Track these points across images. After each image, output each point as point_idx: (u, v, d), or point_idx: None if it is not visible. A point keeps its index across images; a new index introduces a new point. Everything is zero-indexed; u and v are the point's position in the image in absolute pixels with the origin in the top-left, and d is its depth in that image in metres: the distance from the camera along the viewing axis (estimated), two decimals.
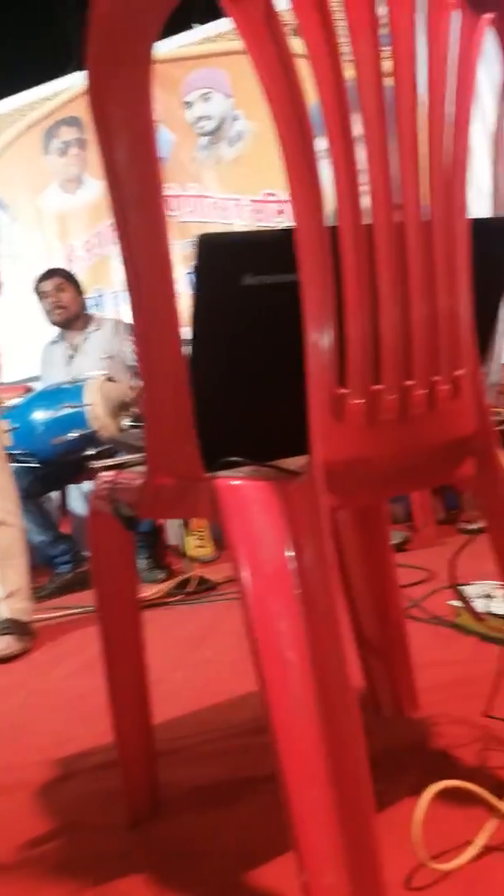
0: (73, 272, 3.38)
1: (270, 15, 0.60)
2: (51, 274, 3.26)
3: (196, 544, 2.97)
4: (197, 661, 1.66)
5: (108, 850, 0.94)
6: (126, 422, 2.85)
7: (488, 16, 0.69)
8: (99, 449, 2.86)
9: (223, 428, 0.75)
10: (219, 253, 0.71)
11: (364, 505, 1.06)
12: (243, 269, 0.71)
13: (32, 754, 1.30)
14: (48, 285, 3.21)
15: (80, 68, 4.00)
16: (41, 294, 3.23)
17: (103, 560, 0.95)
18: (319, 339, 0.64)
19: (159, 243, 0.72)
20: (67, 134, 4.04)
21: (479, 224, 0.74)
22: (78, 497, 3.49)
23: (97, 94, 0.69)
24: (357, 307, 0.65)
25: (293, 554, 0.65)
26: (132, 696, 0.96)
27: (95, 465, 1.03)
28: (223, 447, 0.74)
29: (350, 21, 0.62)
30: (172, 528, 3.06)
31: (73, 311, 3.24)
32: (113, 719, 0.97)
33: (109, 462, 1.02)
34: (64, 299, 3.22)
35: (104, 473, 0.95)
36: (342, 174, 0.63)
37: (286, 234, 0.63)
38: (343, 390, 0.65)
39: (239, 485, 0.68)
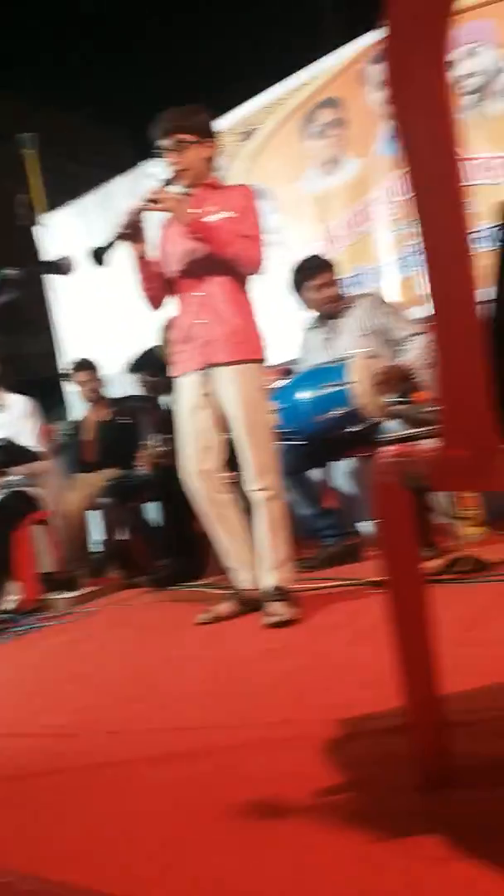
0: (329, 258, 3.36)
1: None
2: (319, 268, 3.23)
3: (467, 523, 2.89)
4: (474, 640, 1.61)
5: (397, 808, 0.95)
6: (388, 398, 2.84)
7: None
8: (361, 427, 2.90)
9: None
10: None
11: None
12: None
13: (314, 713, 1.35)
14: (318, 279, 3.20)
15: (334, 48, 4.02)
16: (305, 286, 3.24)
17: (390, 530, 0.97)
18: None
19: (456, 207, 0.70)
20: (326, 116, 4.09)
21: None
22: (341, 474, 3.58)
23: (396, 69, 0.69)
24: None
25: None
26: (421, 662, 0.97)
27: (384, 439, 1.05)
28: None
29: None
30: (440, 506, 3.00)
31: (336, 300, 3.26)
32: (401, 686, 0.98)
33: (396, 435, 1.03)
34: (332, 294, 3.23)
35: (388, 447, 0.96)
36: None
37: None
38: None
39: None
